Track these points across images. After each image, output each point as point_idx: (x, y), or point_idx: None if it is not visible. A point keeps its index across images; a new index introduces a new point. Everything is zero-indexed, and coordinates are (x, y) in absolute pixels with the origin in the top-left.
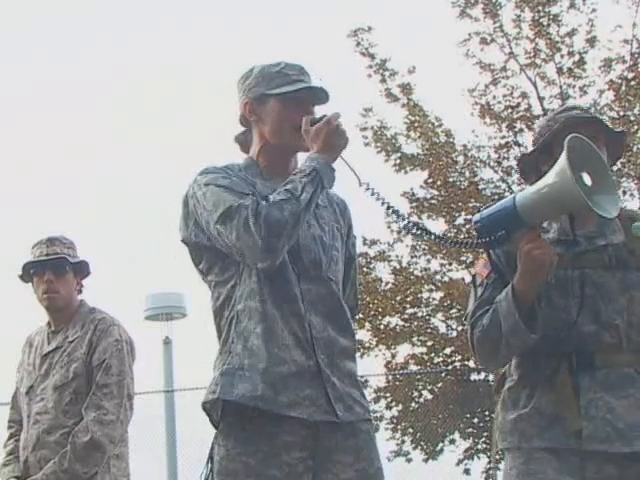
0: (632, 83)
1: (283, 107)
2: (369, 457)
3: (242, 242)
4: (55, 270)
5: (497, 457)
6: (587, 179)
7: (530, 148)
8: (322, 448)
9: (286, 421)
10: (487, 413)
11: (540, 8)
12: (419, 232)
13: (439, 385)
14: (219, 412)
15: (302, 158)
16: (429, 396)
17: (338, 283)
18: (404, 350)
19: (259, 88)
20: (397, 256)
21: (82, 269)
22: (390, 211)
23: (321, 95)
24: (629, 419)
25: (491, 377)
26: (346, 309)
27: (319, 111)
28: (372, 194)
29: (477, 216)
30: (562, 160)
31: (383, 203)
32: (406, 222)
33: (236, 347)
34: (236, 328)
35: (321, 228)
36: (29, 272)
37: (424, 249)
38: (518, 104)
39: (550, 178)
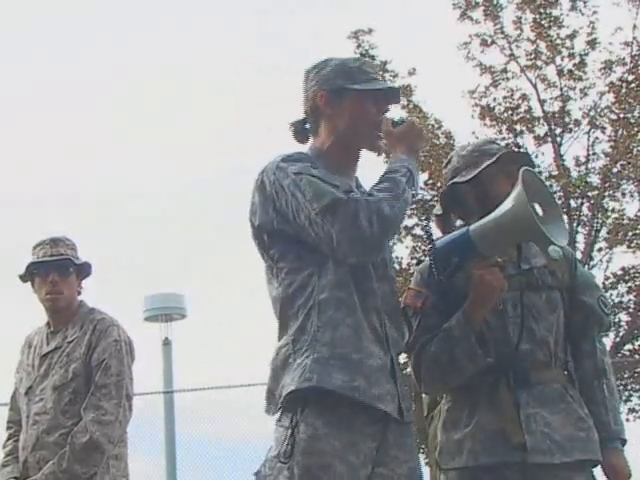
0: (632, 85)
1: (363, 103)
2: (417, 458)
3: (346, 235)
4: (60, 271)
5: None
6: (539, 209)
7: (457, 176)
8: (387, 442)
9: (368, 413)
10: None
11: (541, 10)
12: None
13: None
14: (305, 398)
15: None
16: None
17: (396, 283)
18: None
19: (337, 80)
20: (397, 257)
21: (84, 270)
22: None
23: (396, 96)
24: (564, 432)
25: None
26: (400, 308)
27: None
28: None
29: (432, 245)
30: (518, 189)
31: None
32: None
33: (324, 336)
34: (320, 317)
35: None
36: (31, 272)
37: (424, 250)
38: (518, 106)
39: (506, 206)
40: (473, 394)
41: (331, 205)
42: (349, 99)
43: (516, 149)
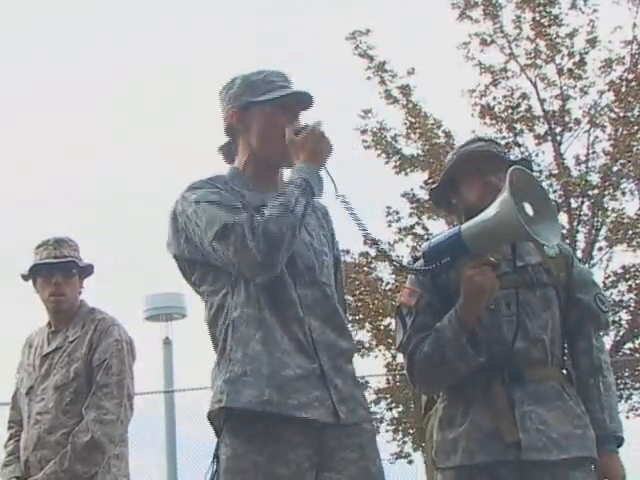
0: (632, 84)
1: (270, 114)
2: (372, 456)
3: (240, 258)
4: (63, 273)
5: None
6: (529, 209)
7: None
8: (327, 447)
9: (293, 422)
10: None
11: (541, 9)
12: (382, 253)
13: None
14: (222, 419)
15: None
16: None
17: (331, 286)
18: None
19: (244, 97)
20: (398, 256)
21: (86, 271)
22: (360, 227)
23: (306, 100)
24: (560, 429)
25: None
26: (341, 312)
27: (308, 116)
28: (346, 208)
29: (426, 245)
30: (505, 192)
31: (354, 218)
32: (372, 240)
33: (236, 354)
34: (234, 335)
35: (309, 234)
36: (34, 272)
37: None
38: (518, 105)
39: (493, 209)
40: (468, 393)
41: (221, 231)
42: (256, 113)
43: (493, 150)
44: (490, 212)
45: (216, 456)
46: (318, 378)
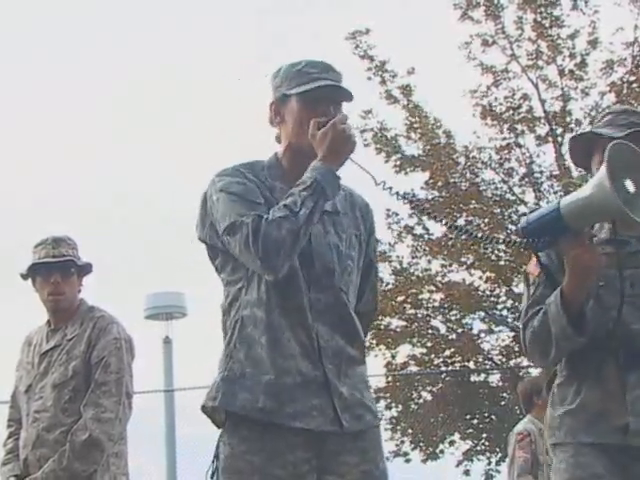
0: (634, 86)
1: (303, 107)
2: (375, 459)
3: (244, 257)
4: (62, 272)
5: (497, 459)
6: (630, 186)
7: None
8: (328, 451)
9: (290, 429)
10: (487, 414)
11: (542, 10)
12: (454, 229)
13: (439, 386)
14: (223, 415)
15: None
16: (429, 397)
17: (349, 294)
18: (404, 351)
19: (282, 88)
20: (398, 257)
21: (85, 270)
22: (418, 210)
23: (344, 93)
24: None
25: (491, 379)
26: (355, 319)
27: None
28: (391, 193)
29: (524, 220)
30: (602, 170)
31: (408, 201)
32: (442, 221)
33: (238, 353)
34: (240, 333)
35: (338, 236)
36: (33, 271)
37: (424, 250)
38: (519, 106)
39: (590, 187)
40: (582, 372)
41: (229, 227)
42: (289, 106)
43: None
44: (587, 190)
45: (216, 455)
46: (320, 386)
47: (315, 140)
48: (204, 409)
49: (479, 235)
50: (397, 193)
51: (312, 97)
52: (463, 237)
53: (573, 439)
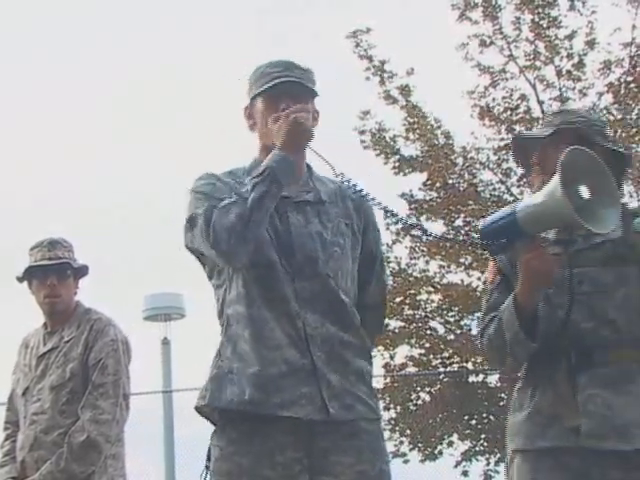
0: (631, 86)
1: (266, 106)
2: (371, 458)
3: (205, 249)
4: (58, 275)
5: (496, 459)
6: (584, 192)
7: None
8: (318, 448)
9: (280, 421)
10: (485, 415)
11: (540, 10)
12: (412, 227)
13: (437, 387)
14: (216, 414)
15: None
16: (427, 398)
17: (338, 280)
18: (402, 352)
19: (250, 91)
20: (396, 257)
21: (81, 272)
22: (378, 204)
23: (305, 89)
24: (629, 416)
25: (489, 379)
26: (347, 304)
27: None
28: (349, 186)
29: (482, 222)
30: (555, 178)
31: (361, 193)
32: (397, 217)
33: (226, 351)
34: (227, 332)
35: (322, 224)
36: (29, 274)
37: (423, 251)
38: (517, 106)
39: (544, 194)
40: (536, 375)
41: (188, 221)
42: (257, 106)
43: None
44: (540, 196)
45: (208, 457)
46: (309, 374)
47: (273, 133)
48: (197, 409)
49: (443, 236)
50: (354, 185)
51: (274, 95)
52: (430, 238)
53: (531, 445)
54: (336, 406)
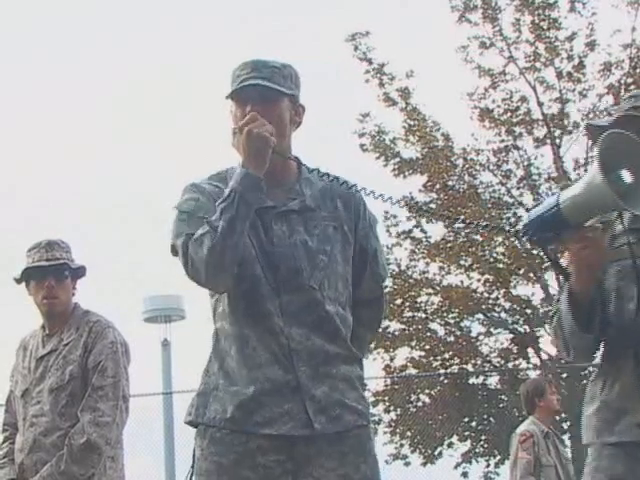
0: (631, 87)
1: (236, 111)
2: (355, 462)
3: (189, 277)
4: (56, 276)
5: (496, 461)
6: (627, 176)
7: None
8: (301, 454)
9: (262, 437)
10: (485, 417)
11: (540, 12)
12: (442, 217)
13: (437, 389)
14: (202, 428)
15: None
16: (427, 400)
17: (324, 289)
18: (403, 353)
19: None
20: (396, 259)
21: (79, 273)
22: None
23: (269, 91)
24: None
25: (489, 381)
26: (333, 317)
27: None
28: (321, 177)
29: (526, 217)
30: (594, 164)
31: (338, 181)
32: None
33: (213, 367)
34: (215, 346)
35: (308, 232)
36: (27, 275)
37: (423, 253)
38: (517, 108)
39: (584, 182)
40: (606, 368)
41: (171, 250)
42: (232, 110)
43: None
44: (581, 184)
45: (193, 458)
46: (292, 390)
47: (236, 149)
48: (186, 423)
49: (484, 224)
50: (345, 182)
51: (241, 99)
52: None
53: (598, 439)
54: (323, 420)
